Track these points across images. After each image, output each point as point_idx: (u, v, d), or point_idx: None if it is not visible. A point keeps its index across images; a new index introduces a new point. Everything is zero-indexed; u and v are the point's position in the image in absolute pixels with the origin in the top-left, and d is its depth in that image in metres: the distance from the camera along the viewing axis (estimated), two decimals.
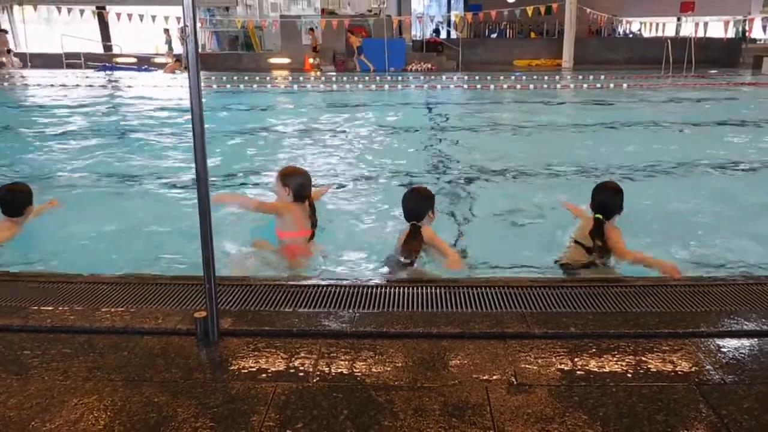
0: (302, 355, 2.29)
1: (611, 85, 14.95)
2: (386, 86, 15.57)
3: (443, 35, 30.68)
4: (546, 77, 17.99)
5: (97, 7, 23.72)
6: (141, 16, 21.59)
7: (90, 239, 4.22)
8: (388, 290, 2.84)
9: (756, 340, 2.39)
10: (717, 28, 22.06)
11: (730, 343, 2.36)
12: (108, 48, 25.38)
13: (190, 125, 2.18)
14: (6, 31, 22.54)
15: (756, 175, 6.19)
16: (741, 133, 8.32)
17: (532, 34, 28.82)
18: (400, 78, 18.08)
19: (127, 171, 6.31)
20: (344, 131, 9.08)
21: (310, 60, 20.88)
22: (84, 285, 2.92)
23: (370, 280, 3.08)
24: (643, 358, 2.25)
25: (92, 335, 2.44)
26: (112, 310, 2.62)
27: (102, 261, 3.80)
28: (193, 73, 2.11)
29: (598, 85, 15.01)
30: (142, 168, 6.47)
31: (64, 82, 16.98)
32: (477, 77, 17.44)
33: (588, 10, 21.54)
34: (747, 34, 16.28)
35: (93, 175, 6.15)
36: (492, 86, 15.39)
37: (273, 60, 22.41)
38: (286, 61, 22.11)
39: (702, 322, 2.50)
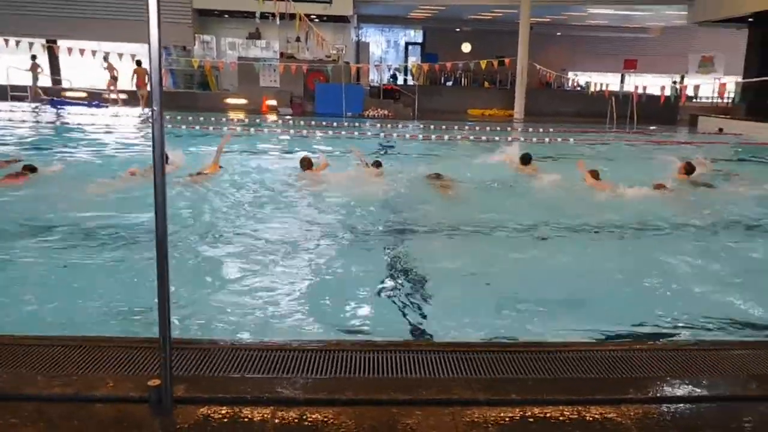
0: (255, 423, 2.35)
1: (559, 139, 15.63)
2: (343, 132, 15.83)
3: (400, 81, 31.53)
4: (498, 128, 18.65)
5: (48, 41, 23.43)
6: (93, 52, 21.47)
7: (38, 298, 4.13)
8: (338, 354, 2.93)
9: (685, 405, 2.59)
10: (657, 86, 23.46)
11: (658, 410, 2.55)
12: (57, 82, 25.01)
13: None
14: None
15: (695, 234, 6.50)
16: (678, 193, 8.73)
17: (486, 84, 29.98)
18: (357, 124, 18.42)
19: (79, 223, 6.03)
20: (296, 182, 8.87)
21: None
22: (33, 348, 2.89)
23: (321, 343, 3.16)
24: (578, 425, 2.40)
25: (42, 403, 2.43)
26: (63, 375, 2.61)
27: (52, 321, 3.75)
28: (158, 154, 2.20)
29: (547, 139, 15.67)
30: (93, 219, 6.18)
31: (10, 117, 16.56)
32: (432, 126, 17.96)
33: (538, 67, 22.56)
34: (681, 93, 17.49)
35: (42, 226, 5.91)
36: (446, 137, 15.85)
37: (229, 100, 22.55)
38: (242, 101, 22.29)
39: (631, 388, 2.68)
